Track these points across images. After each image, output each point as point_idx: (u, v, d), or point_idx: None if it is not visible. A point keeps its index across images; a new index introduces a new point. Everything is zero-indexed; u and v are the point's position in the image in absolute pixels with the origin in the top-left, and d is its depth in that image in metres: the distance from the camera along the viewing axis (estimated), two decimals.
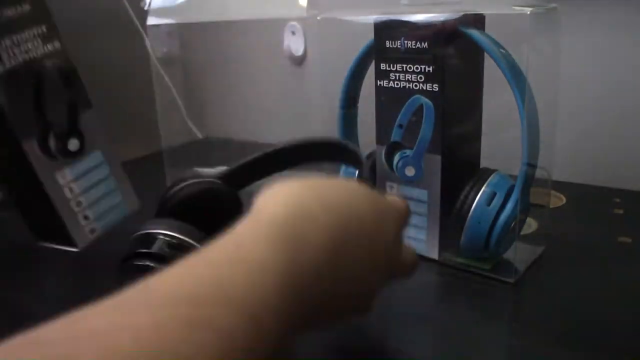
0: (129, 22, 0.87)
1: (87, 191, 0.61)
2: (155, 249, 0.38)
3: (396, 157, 0.54)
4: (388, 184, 0.55)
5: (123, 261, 0.38)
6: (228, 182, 0.50)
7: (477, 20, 0.49)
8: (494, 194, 0.50)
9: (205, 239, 0.40)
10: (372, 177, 0.58)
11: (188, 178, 0.48)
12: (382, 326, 0.44)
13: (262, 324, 0.24)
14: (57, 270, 0.57)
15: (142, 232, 0.39)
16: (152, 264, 0.37)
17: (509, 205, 0.49)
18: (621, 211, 0.65)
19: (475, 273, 0.51)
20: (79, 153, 0.59)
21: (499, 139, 0.53)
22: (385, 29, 0.51)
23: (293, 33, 0.92)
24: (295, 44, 0.93)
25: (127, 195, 0.66)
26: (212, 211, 0.45)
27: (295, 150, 0.52)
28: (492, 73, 0.49)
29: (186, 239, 0.38)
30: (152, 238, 0.38)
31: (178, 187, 0.47)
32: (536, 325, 0.43)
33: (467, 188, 0.51)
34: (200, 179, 0.49)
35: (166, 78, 0.82)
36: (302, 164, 0.53)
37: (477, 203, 0.50)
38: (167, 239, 0.38)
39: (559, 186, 0.69)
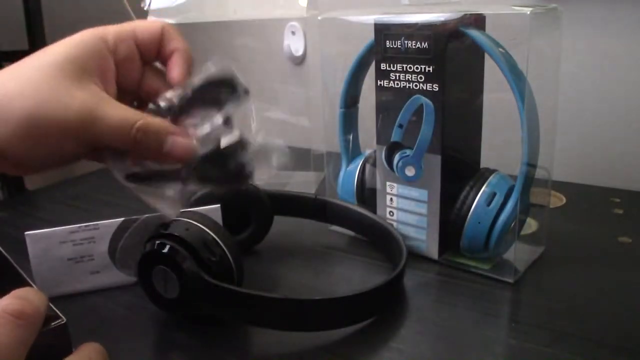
0: None
1: None
2: (171, 230, 0.43)
3: (396, 157, 0.54)
4: (388, 184, 0.55)
5: (147, 241, 0.44)
6: None
7: (477, 20, 0.49)
8: (494, 194, 0.50)
9: (219, 227, 0.45)
10: (372, 177, 0.58)
11: None
12: (383, 326, 0.44)
13: None
14: None
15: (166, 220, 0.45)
16: (167, 242, 0.42)
17: (509, 206, 0.49)
18: (621, 211, 0.65)
19: (475, 273, 0.51)
20: None
21: (499, 139, 0.54)
22: (385, 29, 0.51)
23: (293, 33, 0.92)
24: (295, 44, 0.93)
25: None
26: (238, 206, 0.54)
27: None
28: (492, 73, 0.49)
29: (197, 224, 0.44)
30: (171, 223, 0.44)
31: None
32: (536, 325, 0.43)
33: (467, 188, 0.51)
34: None
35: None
36: None
37: (477, 203, 0.50)
38: (183, 224, 0.44)
39: (559, 186, 0.69)
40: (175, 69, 0.39)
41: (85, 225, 0.48)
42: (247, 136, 0.38)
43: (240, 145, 0.38)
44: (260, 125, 0.40)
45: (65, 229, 0.48)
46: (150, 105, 0.38)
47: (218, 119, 0.38)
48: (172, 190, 0.38)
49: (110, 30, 0.37)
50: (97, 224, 0.48)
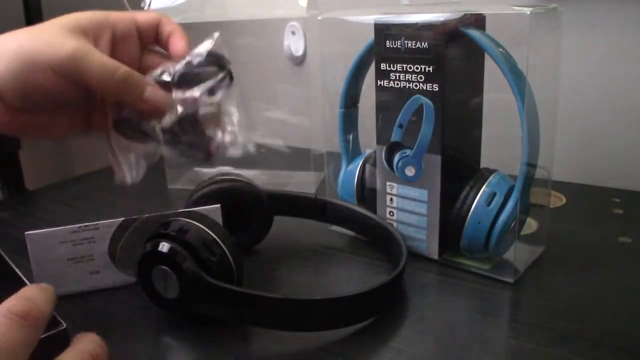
0: None
1: None
2: (171, 230, 0.43)
3: (396, 157, 0.54)
4: (388, 184, 0.56)
5: (147, 241, 0.44)
6: None
7: (477, 20, 0.49)
8: (494, 194, 0.50)
9: (219, 227, 0.45)
10: (372, 177, 0.58)
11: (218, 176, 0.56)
12: (383, 326, 0.44)
13: None
14: None
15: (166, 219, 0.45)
16: (166, 243, 0.42)
17: (509, 206, 0.49)
18: (621, 211, 0.65)
19: (475, 273, 0.51)
20: None
21: (499, 139, 0.54)
22: (385, 29, 0.51)
23: (293, 33, 0.92)
24: (295, 44, 0.93)
25: None
26: (238, 206, 0.54)
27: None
28: (492, 73, 0.49)
29: (197, 224, 0.44)
30: (171, 223, 0.44)
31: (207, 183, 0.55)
32: (536, 325, 0.43)
33: (467, 188, 0.51)
34: (228, 177, 0.56)
35: None
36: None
37: (477, 203, 0.50)
38: (183, 224, 0.44)
39: (559, 186, 0.69)
40: (177, 43, 0.44)
41: (85, 225, 0.48)
42: (226, 116, 0.43)
43: (214, 119, 0.42)
44: (243, 114, 0.44)
45: (65, 229, 0.48)
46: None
47: (198, 89, 0.42)
48: (142, 148, 0.43)
49: (113, 13, 0.43)
50: (97, 224, 0.48)
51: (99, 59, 0.38)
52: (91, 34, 0.40)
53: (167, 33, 0.44)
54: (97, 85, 0.39)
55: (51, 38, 0.38)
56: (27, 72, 0.37)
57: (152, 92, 0.40)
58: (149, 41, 0.44)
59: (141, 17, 0.43)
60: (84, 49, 0.38)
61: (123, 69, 0.39)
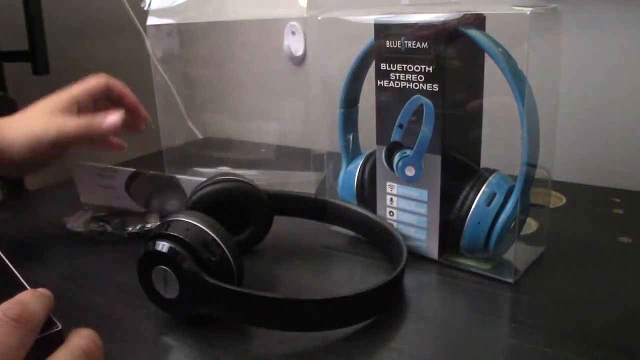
0: (129, 22, 0.87)
1: None
2: (171, 230, 0.43)
3: (396, 157, 0.54)
4: (388, 184, 0.56)
5: (147, 241, 0.44)
6: None
7: (477, 20, 0.49)
8: (494, 194, 0.50)
9: (219, 227, 0.45)
10: (372, 177, 0.58)
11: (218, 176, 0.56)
12: (383, 326, 0.44)
13: None
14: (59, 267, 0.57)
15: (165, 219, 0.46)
16: (166, 243, 0.42)
17: (509, 206, 0.49)
18: (621, 211, 0.65)
19: (475, 273, 0.51)
20: None
21: (499, 139, 0.54)
22: (385, 29, 0.51)
23: (293, 33, 0.92)
24: (295, 44, 0.93)
25: None
26: (238, 206, 0.54)
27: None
28: (492, 73, 0.49)
29: (199, 224, 0.44)
30: (171, 223, 0.44)
31: (207, 183, 0.55)
32: (536, 325, 0.43)
33: (467, 188, 0.51)
34: (228, 178, 0.56)
35: (166, 78, 0.82)
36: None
37: (477, 203, 0.50)
38: (183, 224, 0.44)
39: (559, 186, 0.69)
40: (129, 96, 0.63)
41: (108, 167, 0.62)
42: None
43: None
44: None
45: (95, 165, 0.62)
46: None
47: None
48: None
49: (74, 88, 0.60)
50: (115, 169, 0.61)
51: (72, 122, 0.56)
52: (66, 109, 0.58)
53: (117, 90, 0.62)
54: (76, 138, 0.56)
55: (46, 122, 0.56)
56: (36, 146, 0.55)
57: (109, 116, 0.57)
58: (100, 98, 0.62)
59: (92, 85, 0.61)
60: (63, 123, 0.56)
61: (83, 119, 0.57)
